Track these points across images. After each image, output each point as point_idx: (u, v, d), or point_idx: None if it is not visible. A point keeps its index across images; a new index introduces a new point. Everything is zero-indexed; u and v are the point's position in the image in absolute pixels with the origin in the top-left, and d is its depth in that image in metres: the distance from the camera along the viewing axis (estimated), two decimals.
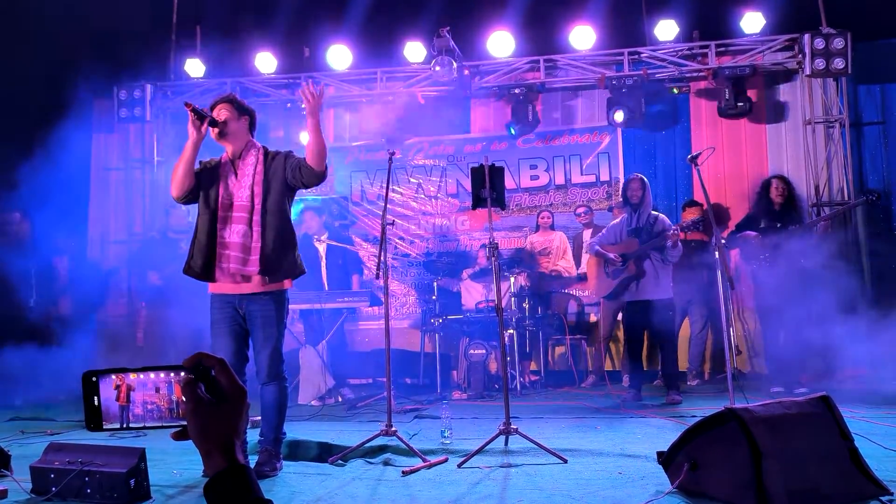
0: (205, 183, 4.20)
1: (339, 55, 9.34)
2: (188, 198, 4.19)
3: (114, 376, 1.12)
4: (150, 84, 9.51)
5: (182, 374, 1.12)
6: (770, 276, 6.79)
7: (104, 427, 1.12)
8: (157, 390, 1.13)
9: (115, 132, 9.93)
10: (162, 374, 1.13)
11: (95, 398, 1.11)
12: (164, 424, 1.13)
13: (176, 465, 4.24)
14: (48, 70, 8.19)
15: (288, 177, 4.20)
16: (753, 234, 7.00)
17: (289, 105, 9.48)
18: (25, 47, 8.08)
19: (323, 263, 7.81)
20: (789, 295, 6.51)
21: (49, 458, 3.62)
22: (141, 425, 1.13)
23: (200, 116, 4.00)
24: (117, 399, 1.11)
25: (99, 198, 10.02)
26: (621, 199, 7.08)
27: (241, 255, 4.09)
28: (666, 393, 6.65)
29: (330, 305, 7.24)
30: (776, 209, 7.02)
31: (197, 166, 4.21)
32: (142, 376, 1.12)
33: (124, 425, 1.12)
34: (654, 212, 6.83)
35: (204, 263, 4.13)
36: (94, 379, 1.12)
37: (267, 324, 4.13)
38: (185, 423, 1.12)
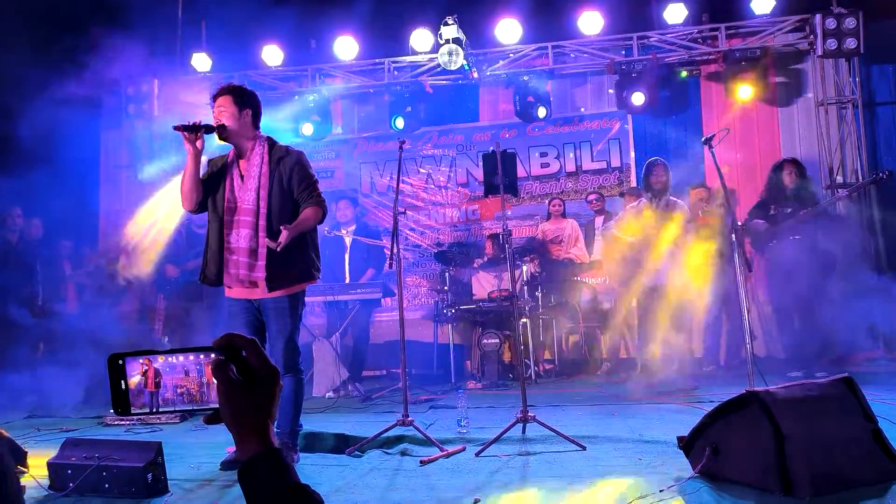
0: (211, 189, 4.15)
1: (346, 46, 9.30)
2: (200, 209, 4.16)
3: (141, 360, 1.08)
4: (158, 79, 9.50)
5: (212, 355, 1.08)
6: (782, 260, 6.74)
7: (132, 412, 1.09)
8: (187, 373, 1.09)
9: (123, 128, 9.93)
10: (191, 357, 1.10)
11: (122, 382, 1.08)
12: (195, 408, 1.10)
13: (193, 458, 4.23)
14: (55, 67, 8.17)
15: (294, 193, 4.14)
16: (762, 222, 6.93)
17: (296, 97, 9.44)
18: (32, 44, 8.07)
19: (346, 255, 7.77)
20: (803, 279, 6.45)
21: (66, 454, 3.61)
22: (171, 409, 1.10)
23: (194, 129, 3.92)
24: (145, 384, 1.08)
25: (109, 193, 10.03)
26: (642, 184, 6.96)
27: (248, 260, 4.04)
28: (682, 380, 6.61)
29: (343, 297, 7.21)
30: (788, 193, 6.94)
31: (205, 169, 4.17)
32: (170, 359, 1.09)
33: (154, 409, 1.09)
34: (672, 197, 6.74)
35: (218, 271, 4.11)
36: (120, 362, 1.08)
37: (281, 316, 4.09)
38: (216, 406, 1.08)
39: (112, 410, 1.10)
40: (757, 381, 4.64)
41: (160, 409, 1.09)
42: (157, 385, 1.09)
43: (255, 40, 9.49)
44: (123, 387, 1.08)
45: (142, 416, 1.09)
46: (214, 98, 4.15)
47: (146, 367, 1.08)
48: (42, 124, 7.80)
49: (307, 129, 9.38)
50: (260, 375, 1.08)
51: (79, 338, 6.63)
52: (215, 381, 1.07)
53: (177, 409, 1.10)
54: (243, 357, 1.08)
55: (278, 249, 3.93)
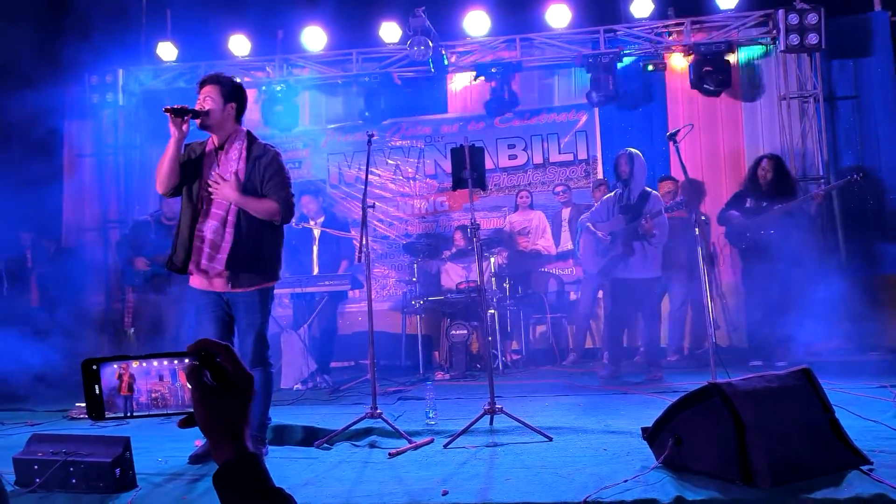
0: (188, 176, 4.13)
1: (314, 37, 9.27)
2: (174, 193, 4.14)
3: (115, 365, 1.09)
4: (122, 69, 9.38)
5: (186, 360, 1.10)
6: (754, 253, 6.87)
7: (106, 416, 1.10)
8: (161, 378, 1.10)
9: (87, 117, 9.80)
10: (165, 362, 1.11)
11: (96, 387, 1.09)
12: (170, 412, 1.11)
13: (161, 452, 4.21)
14: (18, 57, 8.03)
15: (263, 189, 4.14)
16: (736, 214, 7.05)
17: (263, 88, 9.38)
18: None
19: (315, 247, 7.75)
20: (770, 271, 6.58)
21: (32, 449, 3.58)
22: (145, 414, 1.11)
23: (181, 113, 3.91)
24: (119, 388, 1.09)
25: (73, 184, 9.91)
26: (614, 175, 6.99)
27: (210, 251, 4.04)
28: (647, 370, 6.70)
29: (312, 289, 7.19)
30: (763, 189, 7.06)
31: (182, 153, 4.15)
32: (144, 364, 1.10)
33: (128, 414, 1.10)
34: (647, 188, 6.78)
35: (185, 258, 4.10)
36: (94, 367, 1.09)
37: (250, 310, 4.09)
38: (190, 410, 1.10)
39: (86, 415, 1.10)
40: (719, 372, 4.74)
41: (134, 414, 1.10)
42: (131, 389, 1.10)
43: (222, 30, 9.42)
44: (97, 392, 1.09)
45: (118, 421, 1.09)
46: (201, 85, 4.12)
47: (120, 372, 1.09)
48: (3, 113, 7.69)
49: (276, 117, 9.35)
50: (234, 381, 1.09)
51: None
52: (189, 386, 1.09)
53: (151, 413, 1.11)
54: (217, 362, 1.09)
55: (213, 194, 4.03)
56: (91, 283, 9.15)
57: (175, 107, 3.91)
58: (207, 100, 4.05)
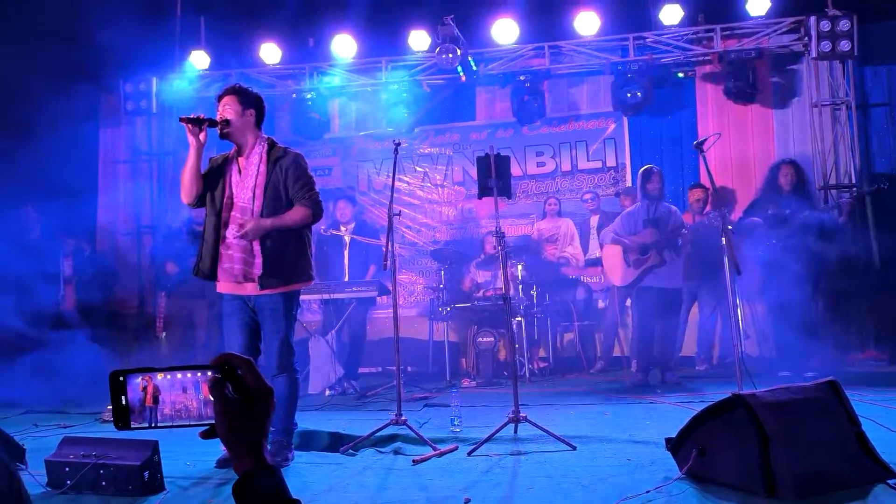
0: (211, 184, 4.20)
1: (344, 45, 9.34)
2: (199, 202, 4.22)
3: (141, 376, 1.13)
4: (156, 77, 9.54)
5: (209, 373, 1.13)
6: (776, 260, 6.80)
7: (132, 426, 1.14)
8: (185, 390, 1.14)
9: (121, 125, 9.98)
10: (189, 374, 1.14)
11: (123, 398, 1.13)
12: (192, 424, 1.15)
13: (188, 456, 4.28)
14: (53, 65, 8.20)
15: (288, 193, 4.18)
16: (758, 220, 6.99)
17: (294, 95, 9.49)
18: (31, 42, 8.10)
19: (346, 253, 7.81)
20: (796, 279, 6.51)
21: (64, 452, 3.66)
22: (169, 424, 1.14)
23: (197, 122, 3.99)
24: (145, 400, 1.13)
25: (107, 190, 10.09)
26: (639, 191, 7.03)
27: (243, 255, 4.10)
28: (661, 374, 6.73)
29: (340, 295, 7.25)
30: (785, 194, 7.00)
31: (206, 165, 4.22)
32: (169, 376, 1.14)
33: (152, 425, 1.14)
34: (667, 203, 6.85)
35: (212, 265, 4.16)
36: (121, 378, 1.13)
37: (275, 317, 4.14)
38: (212, 422, 1.13)
39: (113, 425, 1.14)
40: (746, 383, 4.71)
41: (158, 425, 1.14)
42: (156, 401, 1.13)
43: (254, 38, 9.53)
44: (124, 402, 1.13)
45: (141, 431, 1.13)
46: (219, 98, 4.21)
47: (146, 384, 1.13)
48: (41, 122, 7.85)
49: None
50: (255, 394, 1.13)
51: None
52: (212, 399, 1.12)
53: (175, 424, 1.14)
54: (239, 376, 1.13)
55: (245, 238, 4.03)
56: (124, 288, 9.29)
57: (191, 116, 4.00)
58: (227, 109, 4.13)
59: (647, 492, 3.16)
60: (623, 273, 7.00)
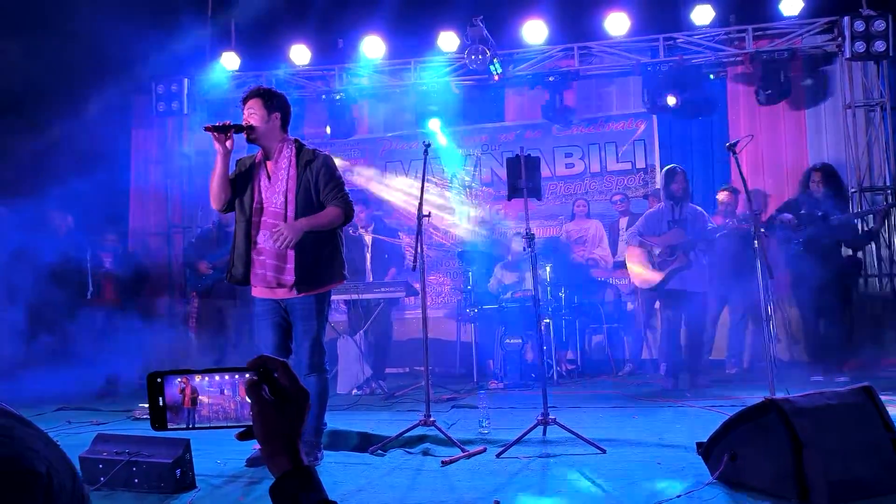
0: (239, 189, 4.22)
1: (373, 46, 9.36)
2: (229, 208, 4.25)
3: (179, 378, 1.14)
4: (187, 78, 9.64)
5: (247, 375, 1.14)
6: (808, 263, 6.73)
7: (169, 427, 1.15)
8: (222, 392, 1.15)
9: (153, 126, 10.10)
10: (227, 376, 1.15)
11: (160, 399, 1.14)
12: (230, 425, 1.16)
13: (220, 454, 4.32)
14: (86, 67, 8.31)
15: (319, 195, 4.19)
16: (790, 216, 6.92)
17: (323, 97, 9.54)
18: (64, 45, 8.22)
19: (368, 254, 7.84)
20: (828, 283, 6.44)
21: (97, 449, 3.71)
22: (206, 426, 1.15)
23: (223, 129, 4.00)
24: (182, 401, 1.14)
25: (138, 190, 10.21)
26: (662, 191, 6.98)
27: (276, 262, 4.12)
28: (690, 379, 6.67)
29: (367, 296, 7.28)
30: (817, 198, 6.93)
31: (233, 168, 4.25)
32: (207, 378, 1.15)
33: (189, 426, 1.15)
34: (692, 204, 6.78)
35: (244, 271, 4.19)
36: (158, 380, 1.14)
37: (307, 316, 4.16)
38: (249, 423, 1.14)
39: (150, 425, 1.16)
40: (778, 387, 4.66)
41: (196, 425, 1.15)
42: (194, 402, 1.15)
43: (284, 39, 9.59)
44: (161, 404, 1.14)
45: (179, 432, 1.14)
46: (244, 101, 4.22)
47: (183, 386, 1.14)
48: (74, 124, 7.95)
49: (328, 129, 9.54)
50: (290, 396, 1.14)
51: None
52: (249, 400, 1.13)
53: (212, 425, 1.16)
54: (275, 378, 1.14)
55: (287, 247, 4.01)
56: (156, 287, 9.38)
57: (216, 124, 4.00)
58: (252, 115, 4.13)
59: (679, 496, 3.14)
60: (648, 275, 6.96)
